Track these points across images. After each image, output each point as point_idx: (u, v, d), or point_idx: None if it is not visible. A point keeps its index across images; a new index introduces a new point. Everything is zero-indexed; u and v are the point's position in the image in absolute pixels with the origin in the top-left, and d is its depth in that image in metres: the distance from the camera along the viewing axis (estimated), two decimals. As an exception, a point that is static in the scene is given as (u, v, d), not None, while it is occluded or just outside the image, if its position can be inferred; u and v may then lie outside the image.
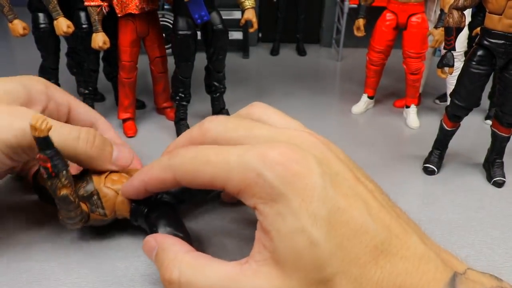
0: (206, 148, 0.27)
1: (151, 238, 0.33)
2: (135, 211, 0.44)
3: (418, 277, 0.20)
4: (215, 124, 0.28)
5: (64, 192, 0.38)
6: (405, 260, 0.21)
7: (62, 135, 0.39)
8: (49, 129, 0.34)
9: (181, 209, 0.47)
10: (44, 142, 0.35)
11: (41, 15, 0.87)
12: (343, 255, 0.21)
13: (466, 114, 0.75)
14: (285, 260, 0.22)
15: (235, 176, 0.24)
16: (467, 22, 0.86)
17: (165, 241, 0.31)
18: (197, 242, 0.45)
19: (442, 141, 0.78)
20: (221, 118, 0.29)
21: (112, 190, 0.43)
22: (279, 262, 0.22)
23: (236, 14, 1.42)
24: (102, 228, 0.47)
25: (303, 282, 0.21)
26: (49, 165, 0.37)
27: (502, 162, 0.75)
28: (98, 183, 0.43)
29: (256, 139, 0.26)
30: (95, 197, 0.42)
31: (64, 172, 0.38)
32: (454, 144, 0.79)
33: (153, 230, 0.42)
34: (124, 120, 0.89)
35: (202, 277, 0.25)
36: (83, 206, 0.43)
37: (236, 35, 1.50)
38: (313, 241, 0.21)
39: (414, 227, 0.23)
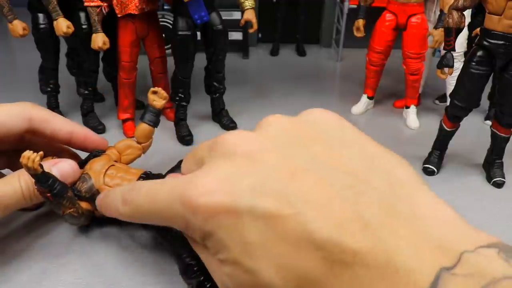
0: (145, 193, 0.27)
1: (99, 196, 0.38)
2: None
3: None
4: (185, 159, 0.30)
5: (67, 211, 0.41)
6: (366, 269, 0.17)
7: (6, 196, 0.39)
8: (40, 164, 0.35)
9: None
10: (41, 177, 0.36)
11: (40, 16, 0.87)
12: (287, 274, 0.19)
13: (466, 115, 0.75)
14: (231, 285, 0.22)
15: (172, 222, 0.25)
16: (466, 23, 0.86)
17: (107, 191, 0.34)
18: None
19: (442, 141, 0.78)
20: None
21: (111, 188, 0.43)
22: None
23: (236, 15, 1.42)
24: (101, 228, 0.48)
25: None
26: (49, 195, 0.37)
27: (502, 163, 0.75)
28: (98, 181, 0.43)
29: (197, 162, 0.26)
30: (97, 196, 0.43)
31: (65, 196, 0.39)
32: (454, 144, 0.79)
33: None
34: (124, 121, 0.89)
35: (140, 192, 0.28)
36: (87, 206, 0.43)
37: (236, 35, 1.50)
38: (248, 270, 0.20)
39: (386, 210, 0.19)
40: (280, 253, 0.19)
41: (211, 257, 0.23)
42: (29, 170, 0.35)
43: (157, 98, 0.49)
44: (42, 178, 0.36)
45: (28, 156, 0.34)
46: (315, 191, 0.19)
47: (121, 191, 0.30)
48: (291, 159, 0.21)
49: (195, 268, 0.38)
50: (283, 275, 0.19)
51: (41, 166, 0.35)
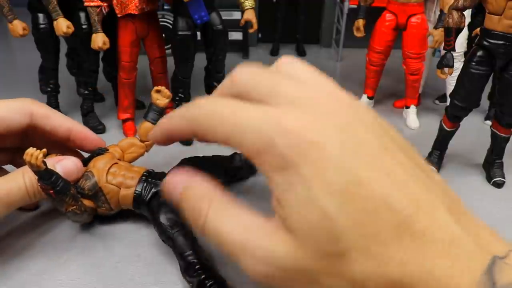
0: (224, 104, 0.25)
1: (176, 173, 0.29)
2: (138, 199, 0.45)
3: (449, 263, 0.18)
4: (242, 75, 0.27)
5: (70, 209, 0.41)
6: (434, 243, 0.19)
7: (11, 193, 0.40)
8: (43, 161, 0.35)
9: None
10: (44, 174, 0.36)
11: (40, 16, 0.87)
12: (361, 230, 0.19)
13: (466, 115, 0.75)
14: (296, 230, 0.21)
15: (248, 139, 0.22)
16: (466, 23, 0.86)
17: (193, 178, 0.27)
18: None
19: (442, 141, 0.78)
20: (251, 69, 0.27)
21: (114, 186, 0.44)
22: (291, 230, 0.21)
23: (236, 15, 1.42)
24: (103, 226, 0.48)
25: (315, 253, 0.20)
26: (51, 191, 0.38)
27: (502, 163, 0.75)
28: (100, 180, 0.43)
29: (278, 99, 0.24)
30: (100, 194, 0.43)
31: (68, 194, 0.39)
32: (454, 144, 0.79)
33: (154, 217, 0.43)
34: (124, 121, 0.89)
35: (228, 219, 0.24)
36: (90, 203, 0.43)
37: (236, 35, 1.50)
38: (325, 213, 0.20)
39: (450, 202, 0.21)
40: (361, 209, 0.20)
41: (280, 192, 0.22)
42: (32, 167, 0.35)
43: (161, 97, 0.50)
44: (45, 175, 0.36)
45: (31, 153, 0.34)
46: (397, 170, 0.21)
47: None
48: (380, 136, 0.22)
49: (196, 267, 0.38)
50: (358, 230, 0.19)
51: (44, 163, 0.35)
